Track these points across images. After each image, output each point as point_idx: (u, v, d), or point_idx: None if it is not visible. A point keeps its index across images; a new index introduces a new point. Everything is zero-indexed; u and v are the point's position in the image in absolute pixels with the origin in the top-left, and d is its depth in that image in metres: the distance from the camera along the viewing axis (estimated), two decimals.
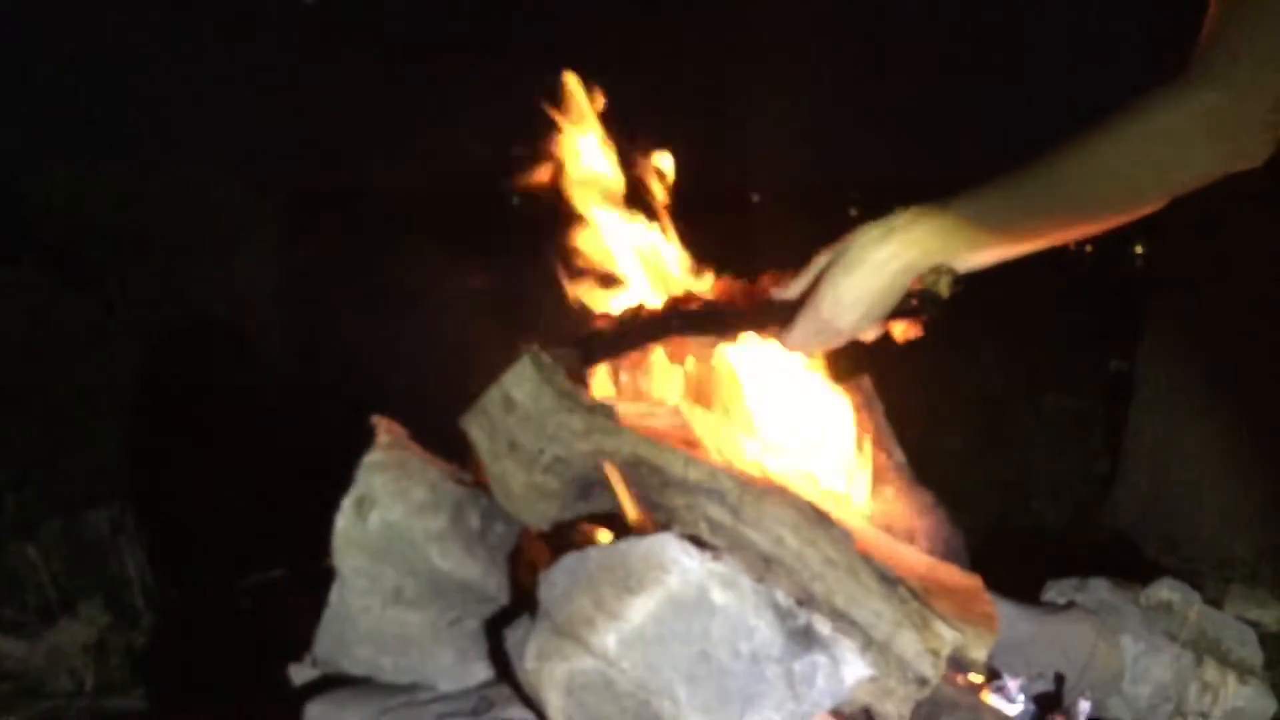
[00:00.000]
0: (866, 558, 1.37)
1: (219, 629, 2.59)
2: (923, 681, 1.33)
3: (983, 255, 1.43)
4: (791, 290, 1.51)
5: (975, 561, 1.67)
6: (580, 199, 1.72)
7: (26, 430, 4.06)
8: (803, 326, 1.48)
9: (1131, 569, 2.07)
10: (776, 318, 1.53)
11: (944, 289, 1.52)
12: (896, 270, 1.41)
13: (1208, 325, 3.76)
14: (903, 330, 1.57)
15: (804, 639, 1.25)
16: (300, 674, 1.54)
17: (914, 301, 1.48)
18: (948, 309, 1.52)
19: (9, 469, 3.83)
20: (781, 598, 1.26)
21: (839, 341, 1.51)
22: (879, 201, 1.52)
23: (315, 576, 1.54)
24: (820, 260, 1.47)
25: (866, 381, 1.82)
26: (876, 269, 1.41)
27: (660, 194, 1.73)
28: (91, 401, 4.12)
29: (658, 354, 1.65)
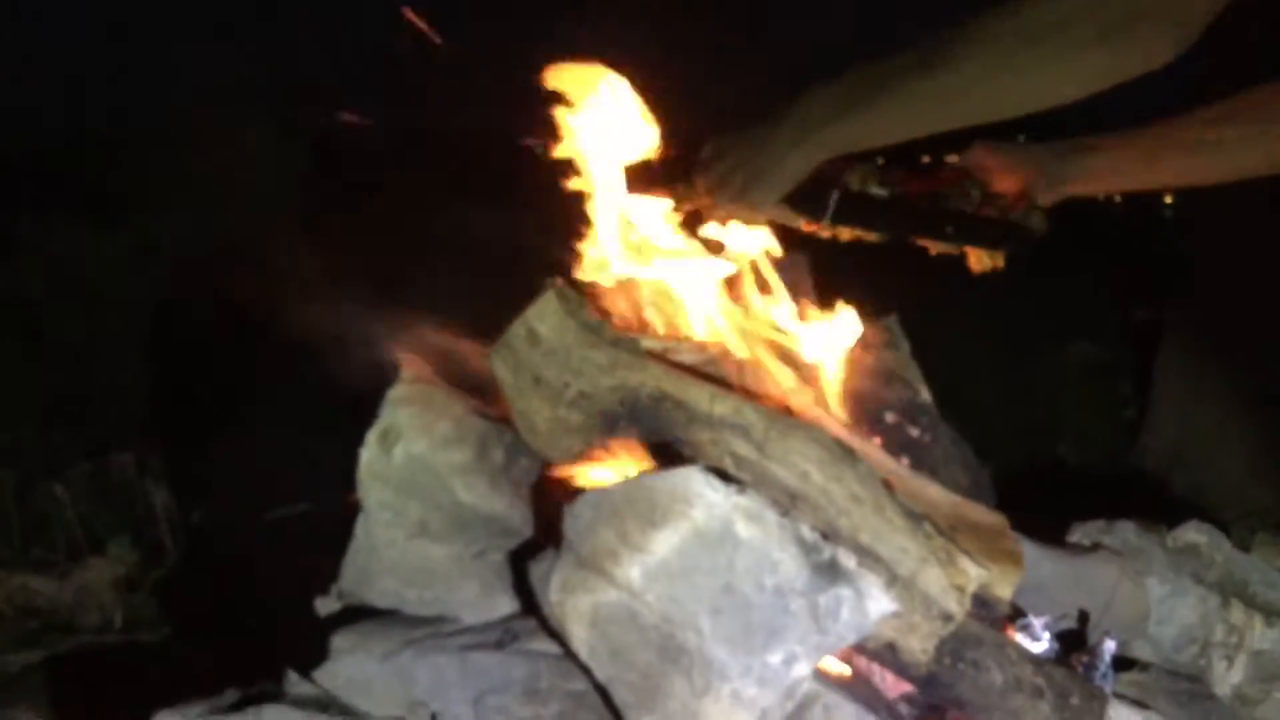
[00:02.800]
0: (892, 494, 1.36)
1: (245, 564, 2.61)
2: (947, 617, 1.32)
3: (886, 133, 1.38)
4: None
5: (1001, 505, 1.66)
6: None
7: (54, 373, 4.09)
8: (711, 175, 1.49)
9: (1158, 516, 2.06)
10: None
11: (1037, 223, 1.51)
12: (801, 156, 1.40)
13: (1236, 273, 3.72)
14: (979, 260, 1.60)
15: (829, 573, 1.25)
16: (326, 606, 1.55)
17: (1002, 237, 1.50)
18: (1037, 245, 1.53)
19: (38, 412, 3.85)
20: (807, 531, 1.25)
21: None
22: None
23: (341, 511, 1.55)
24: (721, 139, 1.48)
25: (893, 320, 1.80)
26: (777, 157, 1.40)
27: None
28: (118, 344, 4.14)
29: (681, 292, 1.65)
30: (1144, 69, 1.20)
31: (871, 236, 1.60)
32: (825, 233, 1.56)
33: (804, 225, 1.57)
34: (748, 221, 1.59)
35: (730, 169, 1.44)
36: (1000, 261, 1.61)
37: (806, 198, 1.46)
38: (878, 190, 1.50)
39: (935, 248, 1.63)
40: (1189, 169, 1.50)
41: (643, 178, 1.61)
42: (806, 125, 1.37)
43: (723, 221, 1.60)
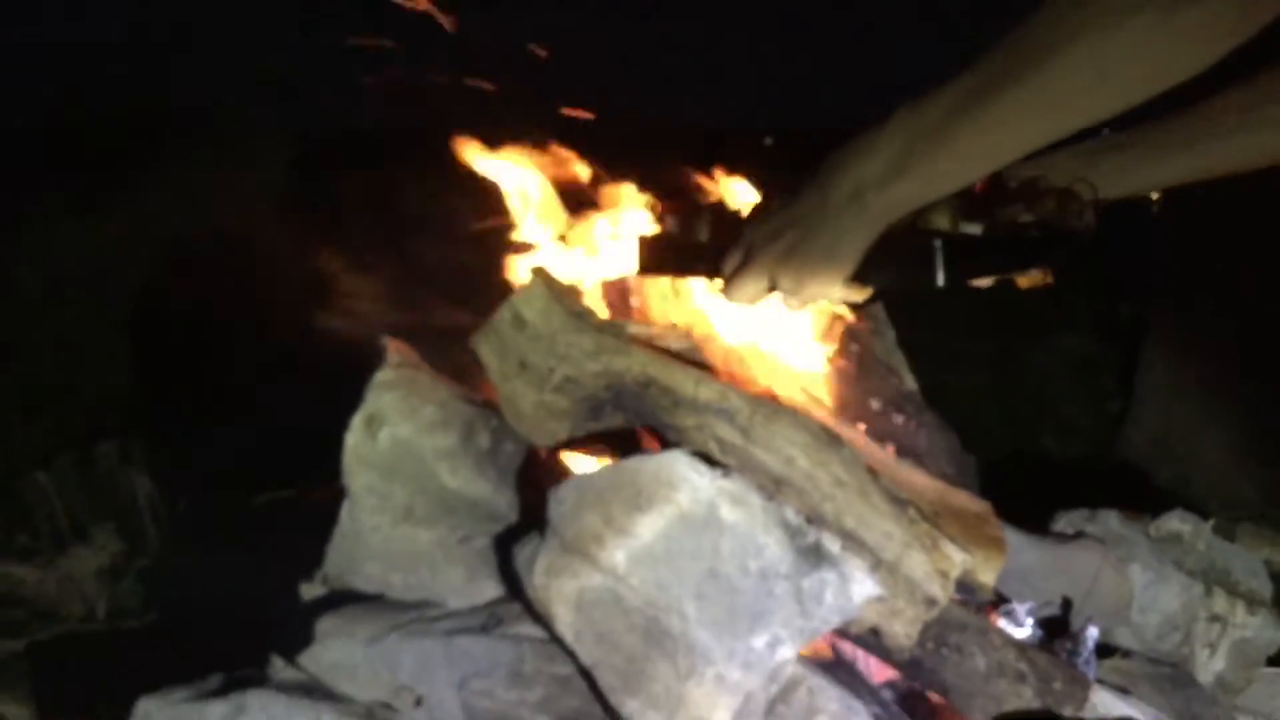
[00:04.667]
0: (877, 479, 1.37)
1: (230, 551, 2.60)
2: (931, 602, 1.33)
3: (961, 170, 1.14)
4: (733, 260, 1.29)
5: (985, 494, 1.67)
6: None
7: (37, 362, 4.07)
8: (748, 285, 1.28)
9: (1141, 505, 2.07)
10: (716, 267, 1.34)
11: (1088, 219, 1.31)
12: (860, 234, 1.18)
13: (1220, 267, 3.74)
14: (1032, 277, 1.39)
15: (813, 556, 1.25)
16: (311, 592, 1.55)
17: (1044, 245, 1.28)
18: (1087, 241, 1.32)
19: (21, 401, 3.84)
20: (791, 515, 1.26)
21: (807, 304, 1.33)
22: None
23: (326, 496, 1.55)
24: (761, 228, 1.24)
25: (878, 308, 1.81)
26: (834, 243, 1.18)
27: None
28: (101, 333, 4.13)
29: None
30: (1248, 32, 1.00)
31: (984, 282, 1.37)
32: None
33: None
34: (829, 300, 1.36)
35: (780, 259, 1.23)
36: (1051, 275, 1.42)
37: (902, 263, 1.23)
38: (971, 227, 1.25)
39: (1030, 279, 1.43)
40: (1228, 153, 1.34)
41: (662, 260, 1.44)
42: (862, 190, 1.15)
43: (797, 309, 1.38)
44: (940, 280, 1.22)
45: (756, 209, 1.26)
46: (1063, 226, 1.31)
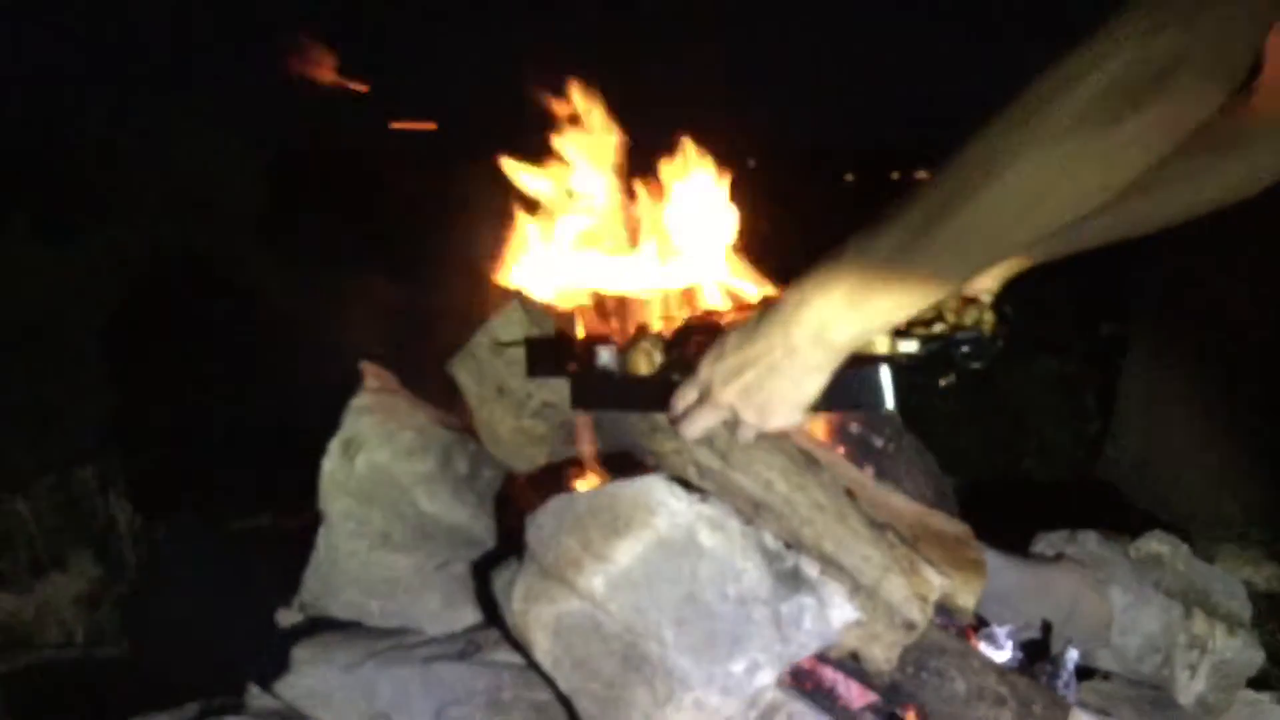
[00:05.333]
0: (855, 503, 1.37)
1: (207, 578, 2.59)
2: (910, 626, 1.33)
3: (916, 299, 1.14)
4: (689, 394, 1.26)
5: (966, 515, 1.67)
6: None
7: (15, 388, 4.05)
8: (706, 420, 1.25)
9: (1123, 528, 2.08)
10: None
11: (991, 321, 1.35)
12: (823, 370, 1.18)
13: (1200, 288, 3.76)
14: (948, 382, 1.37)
15: (792, 581, 1.25)
16: (288, 618, 1.54)
17: (961, 350, 1.30)
18: (999, 347, 1.35)
19: None
20: (770, 540, 1.26)
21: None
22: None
23: (303, 521, 1.54)
24: (718, 366, 1.23)
25: None
26: (799, 379, 1.18)
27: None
28: (78, 357, 4.11)
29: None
30: (1199, 118, 1.01)
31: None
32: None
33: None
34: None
35: (742, 396, 1.21)
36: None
37: (852, 394, 1.24)
38: (907, 345, 1.28)
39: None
40: (1135, 217, 1.37)
41: (599, 396, 1.37)
42: (825, 329, 1.15)
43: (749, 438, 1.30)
44: (888, 404, 1.24)
45: (713, 346, 1.25)
46: (976, 332, 1.34)
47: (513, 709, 1.34)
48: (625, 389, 1.32)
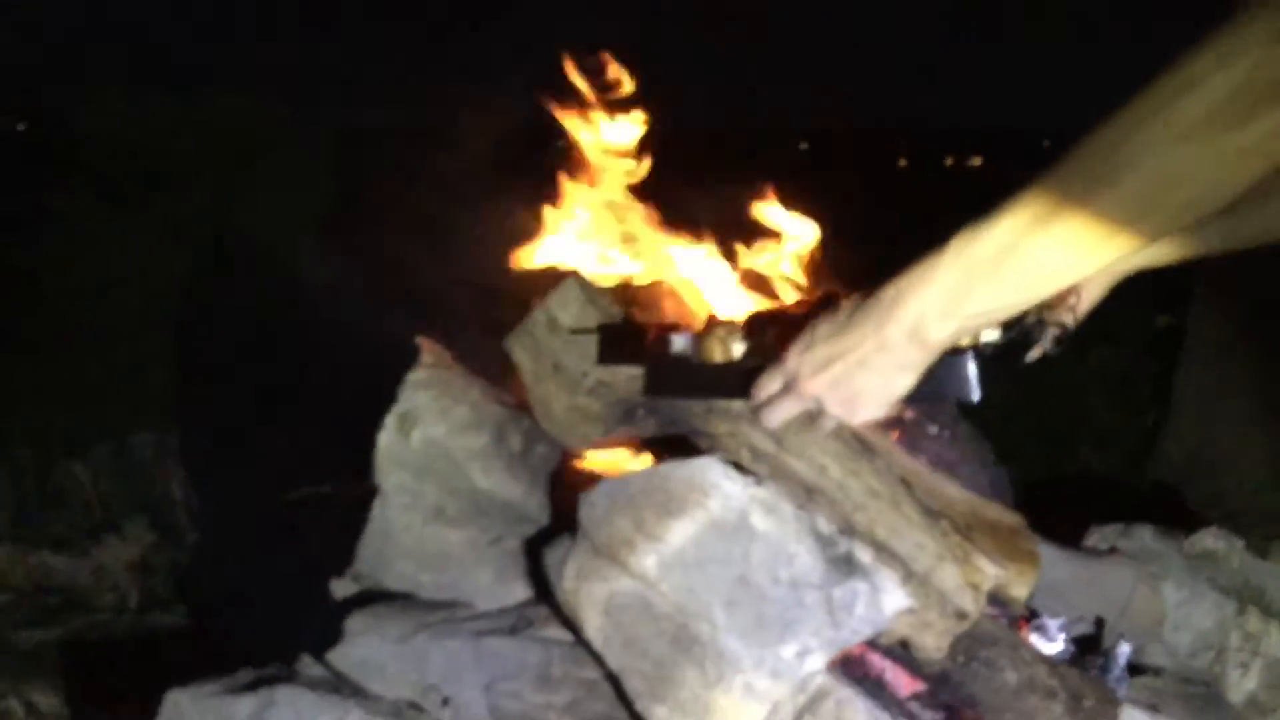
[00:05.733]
0: (909, 490, 1.36)
1: (261, 547, 2.62)
2: (962, 615, 1.32)
3: (1019, 300, 1.13)
4: (774, 381, 1.25)
5: (1020, 507, 1.66)
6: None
7: (76, 356, 4.11)
8: (790, 409, 1.24)
9: (1177, 521, 2.05)
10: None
11: (1077, 308, 1.38)
12: (916, 368, 1.18)
13: (1256, 280, 3.71)
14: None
15: (844, 566, 1.25)
16: (342, 589, 1.56)
17: (1043, 340, 1.33)
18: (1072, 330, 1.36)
19: (60, 394, 3.88)
20: (823, 524, 1.25)
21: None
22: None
23: (358, 494, 1.56)
24: (806, 356, 1.22)
25: None
26: (891, 375, 1.18)
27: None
28: (140, 327, 4.16)
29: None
30: None
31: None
32: None
33: None
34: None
35: (831, 388, 1.20)
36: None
37: (939, 385, 1.22)
38: (991, 335, 1.27)
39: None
40: (1224, 234, 1.36)
41: (673, 381, 1.37)
42: (922, 326, 1.14)
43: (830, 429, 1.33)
44: (973, 395, 1.24)
45: (800, 336, 1.25)
46: (1054, 319, 1.36)
47: (561, 685, 1.35)
48: (701, 376, 1.32)
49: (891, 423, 1.67)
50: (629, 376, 1.41)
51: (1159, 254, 1.37)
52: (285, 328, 3.76)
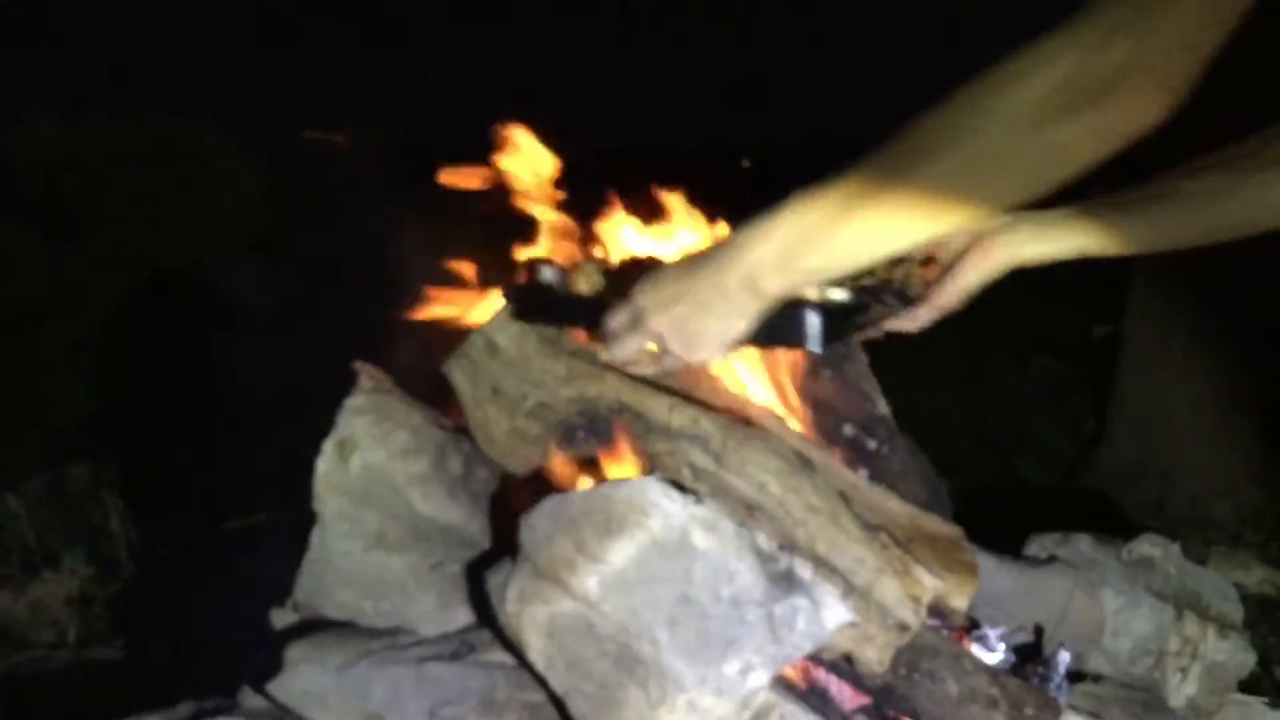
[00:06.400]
0: (849, 505, 1.37)
1: (200, 577, 2.59)
2: (903, 628, 1.33)
3: (845, 263, 1.20)
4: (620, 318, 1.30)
5: (959, 518, 1.67)
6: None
7: (8, 385, 4.05)
8: (634, 344, 1.30)
9: (1115, 530, 2.08)
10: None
11: (915, 285, 1.45)
12: (750, 314, 1.23)
13: (1193, 290, 3.77)
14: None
15: (785, 583, 1.25)
16: (282, 618, 1.54)
17: (885, 304, 1.39)
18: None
19: None
20: (763, 541, 1.26)
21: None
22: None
23: (296, 522, 1.54)
24: (652, 295, 1.27)
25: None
26: (727, 320, 1.23)
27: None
28: (73, 355, 4.11)
29: None
30: (1130, 137, 1.05)
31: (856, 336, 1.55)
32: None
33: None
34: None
35: (672, 327, 1.26)
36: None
37: (777, 330, 1.28)
38: (838, 294, 1.35)
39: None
40: (1142, 234, 1.40)
41: (538, 308, 1.44)
42: (755, 276, 1.20)
43: (671, 368, 1.38)
44: (811, 346, 1.29)
45: (649, 275, 1.28)
46: (900, 289, 1.43)
47: (506, 709, 1.34)
48: (564, 306, 1.40)
49: (830, 439, 1.69)
50: (568, 399, 1.42)
51: (1064, 246, 1.41)
52: (222, 355, 3.73)
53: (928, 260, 1.47)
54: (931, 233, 1.16)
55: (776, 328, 1.27)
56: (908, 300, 1.44)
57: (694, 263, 1.25)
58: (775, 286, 1.21)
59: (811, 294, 1.30)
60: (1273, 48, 1.23)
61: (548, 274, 1.42)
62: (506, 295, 1.49)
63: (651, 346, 1.29)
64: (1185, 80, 1.02)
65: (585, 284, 1.40)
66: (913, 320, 1.48)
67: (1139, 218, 1.37)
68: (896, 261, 1.44)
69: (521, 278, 1.45)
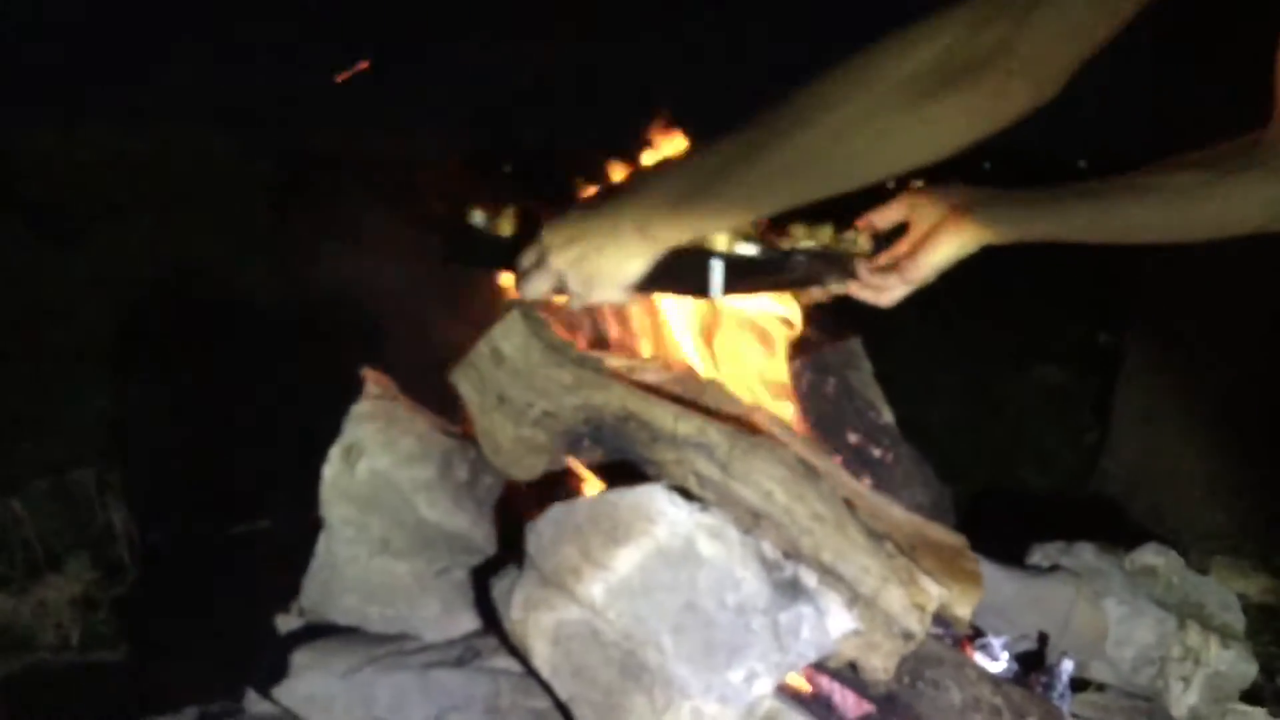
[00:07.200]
0: (854, 513, 1.37)
1: (205, 582, 2.60)
2: (908, 636, 1.33)
3: (727, 217, 1.26)
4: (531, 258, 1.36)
5: (962, 527, 1.68)
6: None
7: (12, 389, 4.05)
8: (539, 283, 1.35)
9: (1118, 539, 2.08)
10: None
11: (863, 245, 1.49)
12: (642, 258, 1.28)
13: (1196, 297, 3.76)
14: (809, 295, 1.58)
15: (790, 591, 1.25)
16: (287, 624, 1.55)
17: (792, 265, 1.42)
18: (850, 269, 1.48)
19: None
20: (769, 549, 1.26)
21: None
22: None
23: (303, 527, 1.55)
24: (555, 235, 1.32)
25: (855, 342, 1.82)
26: (621, 261, 1.28)
27: None
28: (77, 359, 4.11)
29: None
30: (1000, 121, 1.10)
31: (758, 295, 1.58)
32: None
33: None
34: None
35: (571, 265, 1.31)
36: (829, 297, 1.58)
37: (682, 277, 1.33)
38: (748, 249, 1.38)
39: (807, 291, 1.59)
40: (1112, 224, 1.40)
41: (465, 250, 1.50)
42: (648, 220, 1.25)
43: (579, 308, 1.45)
44: (713, 293, 1.34)
45: (555, 215, 1.34)
46: (829, 254, 1.47)
47: (510, 716, 1.34)
48: (489, 248, 1.45)
49: (835, 447, 1.69)
50: (573, 407, 1.42)
51: (1034, 229, 1.41)
52: (226, 360, 3.74)
53: (895, 234, 1.51)
54: (807, 195, 1.21)
55: (679, 275, 1.32)
56: (848, 270, 1.48)
57: (594, 203, 1.30)
58: (667, 232, 1.25)
59: (720, 245, 1.34)
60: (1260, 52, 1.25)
61: (476, 216, 1.47)
62: (437, 237, 1.54)
63: (554, 286, 1.34)
64: (1060, 70, 1.07)
65: (508, 226, 1.45)
66: (883, 293, 1.50)
67: (1110, 208, 1.38)
68: (841, 229, 1.49)
69: (452, 218, 1.50)
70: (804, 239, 1.47)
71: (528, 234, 1.39)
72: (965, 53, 1.05)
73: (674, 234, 1.26)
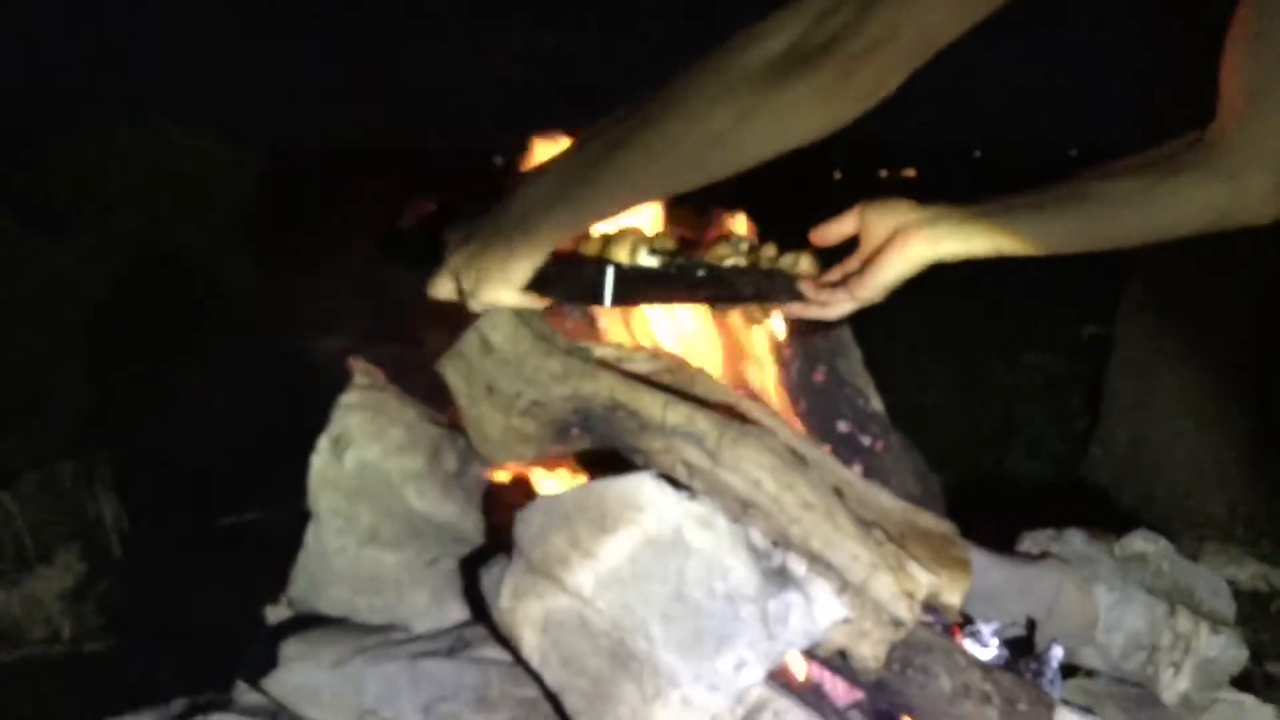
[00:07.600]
0: (843, 501, 1.37)
1: (194, 573, 2.59)
2: (898, 624, 1.33)
3: (605, 209, 1.26)
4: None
5: (952, 514, 1.68)
6: None
7: (0, 382, 4.04)
8: (440, 283, 1.35)
9: (1108, 525, 2.09)
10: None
11: (806, 267, 1.48)
12: (526, 257, 1.27)
13: (1185, 285, 3.78)
14: (753, 315, 1.58)
15: (779, 579, 1.25)
16: (275, 615, 1.54)
17: (694, 278, 1.42)
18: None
19: None
20: (757, 537, 1.26)
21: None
22: None
23: (291, 518, 1.54)
24: (454, 234, 1.34)
25: (845, 329, 1.81)
26: (506, 261, 1.28)
27: None
28: (65, 352, 4.10)
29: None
30: (850, 108, 1.11)
31: (666, 305, 1.58)
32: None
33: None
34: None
35: (463, 264, 1.31)
36: (768, 315, 1.59)
37: (576, 282, 1.34)
38: (649, 260, 1.38)
39: (729, 308, 1.60)
40: (1060, 234, 1.37)
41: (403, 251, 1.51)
42: (526, 217, 1.25)
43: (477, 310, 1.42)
44: (606, 301, 1.33)
45: (457, 216, 1.36)
46: (759, 271, 1.47)
47: (500, 705, 1.34)
48: (427, 249, 1.41)
49: (824, 435, 1.69)
50: (562, 397, 1.42)
51: (982, 244, 1.39)
52: (215, 351, 3.73)
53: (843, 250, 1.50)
54: (675, 183, 1.22)
55: (574, 281, 1.32)
56: (787, 289, 1.48)
57: (493, 204, 1.29)
58: (544, 227, 1.24)
59: (621, 255, 1.35)
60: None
61: (407, 220, 1.50)
62: (382, 237, 1.56)
63: (451, 284, 1.33)
64: (908, 58, 1.08)
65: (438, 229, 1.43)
66: (830, 309, 1.49)
67: (1056, 218, 1.36)
68: (723, 239, 1.50)
69: (399, 222, 1.52)
70: (730, 257, 1.48)
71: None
72: (812, 40, 1.07)
73: (553, 228, 1.25)
